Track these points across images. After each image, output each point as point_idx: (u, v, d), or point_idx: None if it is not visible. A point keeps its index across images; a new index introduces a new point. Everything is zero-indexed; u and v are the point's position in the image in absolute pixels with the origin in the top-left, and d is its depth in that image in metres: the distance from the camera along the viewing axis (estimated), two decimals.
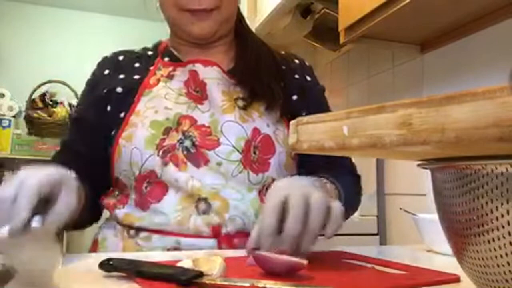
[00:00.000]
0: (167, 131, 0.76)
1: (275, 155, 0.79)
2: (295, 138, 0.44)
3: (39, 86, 3.15)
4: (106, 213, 0.84)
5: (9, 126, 3.20)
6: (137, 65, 0.87)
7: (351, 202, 0.84)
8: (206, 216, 0.73)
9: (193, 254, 0.63)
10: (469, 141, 0.28)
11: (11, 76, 3.49)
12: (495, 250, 0.34)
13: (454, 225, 0.38)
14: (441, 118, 0.30)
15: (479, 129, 0.27)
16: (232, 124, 0.78)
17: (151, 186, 0.75)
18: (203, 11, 0.79)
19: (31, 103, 3.18)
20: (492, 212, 0.34)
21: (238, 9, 0.89)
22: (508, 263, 0.34)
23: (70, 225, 0.63)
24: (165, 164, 0.74)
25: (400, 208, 1.05)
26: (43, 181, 0.55)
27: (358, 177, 0.92)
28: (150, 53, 0.90)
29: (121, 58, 0.88)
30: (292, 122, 0.45)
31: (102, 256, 0.55)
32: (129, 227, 0.76)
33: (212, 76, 0.84)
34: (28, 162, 3.19)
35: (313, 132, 0.42)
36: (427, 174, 0.44)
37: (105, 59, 0.90)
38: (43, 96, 3.27)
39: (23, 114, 3.25)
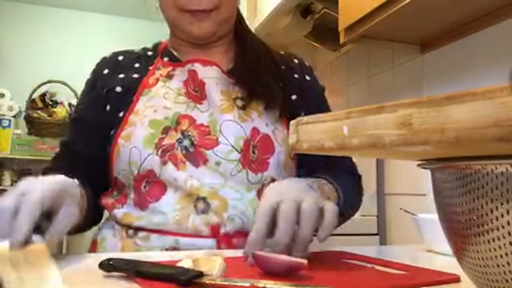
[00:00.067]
0: (166, 131, 0.76)
1: (274, 155, 0.79)
2: (295, 138, 0.44)
3: (39, 86, 3.15)
4: (105, 213, 0.85)
5: (9, 126, 3.20)
6: (136, 65, 0.87)
7: (351, 203, 0.83)
8: (204, 215, 0.73)
9: (193, 254, 0.63)
10: (469, 141, 0.28)
11: (11, 76, 3.49)
12: (495, 250, 0.34)
13: (454, 225, 0.38)
14: (441, 118, 0.30)
15: (479, 129, 0.27)
16: (231, 124, 0.78)
17: (150, 186, 0.75)
18: (203, 11, 0.79)
19: (31, 103, 3.18)
20: (492, 212, 0.34)
21: (238, 9, 0.89)
22: (508, 263, 0.34)
23: (72, 231, 0.63)
24: (164, 163, 0.74)
25: (400, 208, 1.05)
26: (45, 194, 0.55)
27: (359, 177, 0.91)
28: (150, 53, 0.90)
29: (120, 58, 0.89)
30: (292, 122, 0.45)
31: (102, 256, 0.55)
32: (127, 227, 0.76)
33: (211, 76, 0.84)
34: (28, 162, 3.20)
35: (313, 132, 0.42)
36: (427, 174, 0.44)
37: (104, 59, 0.90)
38: (43, 96, 3.28)
39: (23, 114, 3.25)
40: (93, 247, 0.81)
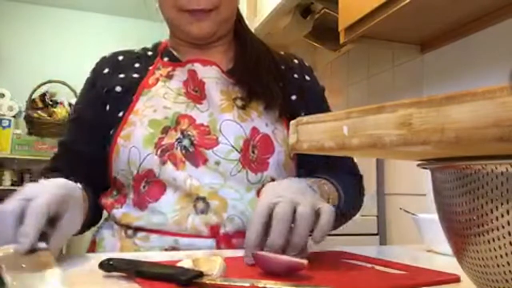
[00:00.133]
0: (165, 130, 0.76)
1: (274, 155, 0.79)
2: (295, 138, 0.44)
3: (39, 86, 3.16)
4: (104, 213, 0.84)
5: (9, 126, 3.21)
6: (136, 65, 0.87)
7: (352, 203, 0.83)
8: (204, 215, 0.72)
9: (193, 254, 0.63)
10: (469, 141, 0.28)
11: (11, 76, 3.49)
12: (495, 250, 0.34)
13: (454, 225, 0.38)
14: (441, 118, 0.30)
15: (479, 129, 0.27)
16: (231, 123, 0.78)
17: (149, 186, 0.75)
18: (202, 11, 0.79)
19: (31, 103, 3.18)
20: (492, 212, 0.34)
21: (237, 9, 0.89)
22: (508, 263, 0.34)
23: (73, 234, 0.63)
24: (163, 163, 0.74)
25: (400, 208, 1.05)
26: (51, 200, 0.54)
27: (360, 177, 0.91)
28: (149, 53, 0.90)
29: (120, 58, 0.89)
30: (292, 122, 0.45)
31: (102, 256, 0.55)
32: (127, 227, 0.75)
33: (210, 76, 0.84)
34: (28, 162, 3.20)
35: (313, 132, 0.42)
36: (427, 174, 0.44)
37: (104, 58, 0.90)
38: (43, 96, 3.28)
39: (23, 114, 3.26)
40: (92, 247, 0.81)
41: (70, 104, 3.25)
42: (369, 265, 0.59)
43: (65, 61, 3.53)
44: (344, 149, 0.38)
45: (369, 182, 1.65)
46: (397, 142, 0.33)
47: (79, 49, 3.54)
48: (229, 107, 0.80)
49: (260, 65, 0.86)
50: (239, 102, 0.82)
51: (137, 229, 0.74)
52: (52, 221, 0.55)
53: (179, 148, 0.75)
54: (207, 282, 0.45)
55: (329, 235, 0.60)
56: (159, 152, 0.74)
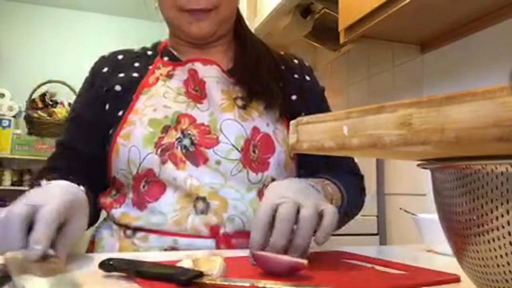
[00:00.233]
0: (165, 130, 0.76)
1: (274, 155, 0.78)
2: (295, 138, 0.44)
3: (39, 86, 3.16)
4: (102, 213, 0.83)
5: (9, 126, 3.21)
6: (136, 64, 0.86)
7: (354, 203, 0.83)
8: (204, 216, 0.72)
9: (193, 254, 0.63)
10: (469, 141, 0.28)
11: (11, 76, 3.49)
12: (495, 250, 0.34)
13: (454, 225, 0.38)
14: (441, 118, 0.30)
15: (479, 129, 0.27)
16: (232, 123, 0.78)
17: (149, 186, 0.75)
18: (202, 11, 0.79)
19: (31, 103, 3.19)
20: (492, 212, 0.34)
21: (237, 9, 0.89)
22: (508, 263, 0.34)
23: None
24: (164, 162, 0.74)
25: (400, 208, 1.05)
26: (60, 207, 0.54)
27: (361, 177, 0.91)
28: (149, 52, 0.90)
29: (120, 57, 0.88)
30: (292, 122, 0.45)
31: (101, 256, 0.55)
32: (125, 227, 0.75)
33: (211, 75, 0.83)
34: (28, 162, 3.20)
35: (313, 132, 0.42)
36: (427, 174, 0.44)
37: (103, 58, 0.89)
38: (43, 96, 3.28)
39: (23, 114, 3.26)
40: (91, 247, 0.81)
41: (70, 104, 3.24)
42: (369, 265, 0.59)
43: (65, 61, 3.53)
44: (344, 149, 0.38)
45: (369, 182, 1.65)
46: (397, 142, 0.33)
47: (79, 49, 3.54)
48: (230, 106, 0.80)
49: (260, 65, 0.86)
50: (239, 102, 0.82)
51: (136, 229, 0.74)
52: (59, 227, 0.54)
53: (179, 147, 0.75)
54: (207, 282, 0.45)
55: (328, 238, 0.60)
56: (159, 151, 0.74)
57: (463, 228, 0.37)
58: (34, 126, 3.16)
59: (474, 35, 1.28)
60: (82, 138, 0.83)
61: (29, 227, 0.51)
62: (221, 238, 0.72)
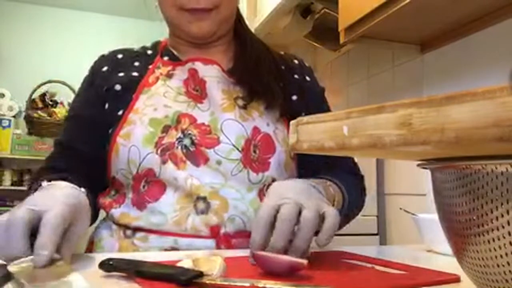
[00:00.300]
0: (166, 129, 0.76)
1: (275, 155, 0.78)
2: (295, 138, 0.44)
3: (39, 86, 3.16)
4: (101, 213, 0.83)
5: (9, 126, 3.21)
6: (136, 63, 0.86)
7: (355, 203, 0.83)
8: (204, 216, 0.72)
9: (193, 254, 0.63)
10: (469, 141, 0.28)
11: (11, 76, 3.49)
12: (495, 250, 0.34)
13: (454, 225, 0.38)
14: (441, 118, 0.30)
15: (479, 129, 0.27)
16: (232, 123, 0.78)
17: (149, 185, 0.75)
18: (202, 10, 0.79)
19: (31, 103, 3.19)
20: (492, 212, 0.34)
21: (237, 9, 0.89)
22: (508, 263, 0.34)
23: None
24: (164, 162, 0.74)
25: (400, 208, 1.05)
26: (65, 212, 0.53)
27: (361, 177, 0.91)
28: (149, 52, 0.89)
29: (120, 56, 0.88)
30: (292, 122, 0.45)
31: (101, 256, 0.55)
32: (125, 227, 0.75)
33: (212, 75, 0.83)
34: (28, 162, 3.20)
35: (313, 132, 0.42)
36: (427, 174, 0.44)
37: (102, 57, 0.89)
38: (43, 96, 3.28)
39: (23, 114, 3.26)
40: (90, 247, 0.80)
41: (70, 104, 3.25)
42: (369, 265, 0.59)
43: (65, 61, 3.53)
44: (344, 149, 0.38)
45: (369, 182, 1.65)
46: (397, 142, 0.33)
47: (79, 49, 3.54)
48: (231, 106, 0.80)
49: (260, 65, 0.86)
50: (240, 102, 0.82)
51: (136, 229, 0.74)
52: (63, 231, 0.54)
53: (179, 147, 0.75)
54: (207, 282, 0.45)
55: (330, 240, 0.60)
56: (159, 151, 0.74)
57: (463, 228, 0.37)
58: (34, 126, 3.17)
59: (474, 35, 1.28)
60: (81, 138, 0.82)
61: (32, 231, 0.51)
62: (222, 238, 0.72)
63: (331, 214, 0.58)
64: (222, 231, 0.72)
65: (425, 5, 1.16)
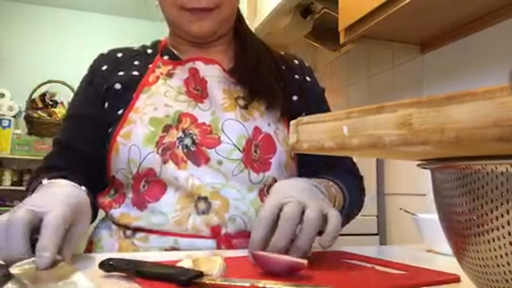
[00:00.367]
0: (166, 129, 0.75)
1: (276, 155, 0.78)
2: (295, 138, 0.44)
3: (39, 86, 3.16)
4: (101, 213, 0.82)
5: (9, 126, 3.21)
6: (136, 62, 0.86)
7: (355, 204, 0.83)
8: (205, 216, 0.72)
9: (193, 254, 0.63)
10: (469, 141, 0.28)
11: (11, 76, 3.49)
12: (495, 250, 0.34)
13: (454, 225, 0.38)
14: (441, 118, 0.30)
15: (479, 129, 0.27)
16: (233, 123, 0.78)
17: (149, 185, 0.74)
18: (203, 10, 0.79)
19: (31, 103, 3.19)
20: (492, 212, 0.34)
21: (238, 9, 0.89)
22: (508, 263, 0.34)
23: None
24: (165, 162, 0.73)
25: (400, 208, 1.05)
26: (66, 212, 0.53)
27: (360, 178, 0.91)
28: (149, 51, 0.89)
29: (119, 55, 0.88)
30: (292, 122, 0.45)
31: (101, 256, 0.55)
32: (125, 227, 0.75)
33: (213, 74, 0.83)
34: (28, 162, 3.20)
35: (313, 132, 0.42)
36: (427, 174, 0.44)
37: (102, 55, 0.89)
38: (43, 96, 3.28)
39: (23, 114, 3.26)
40: (89, 248, 0.80)
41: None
42: (369, 265, 0.59)
43: (65, 61, 3.53)
44: (344, 149, 0.38)
45: (369, 182, 1.65)
46: (397, 142, 0.33)
47: (79, 49, 3.53)
48: (232, 106, 0.80)
49: (260, 65, 0.86)
50: (241, 102, 0.81)
51: (136, 230, 0.74)
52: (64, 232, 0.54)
53: (180, 147, 0.75)
54: (207, 282, 0.45)
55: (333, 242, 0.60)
56: (160, 151, 0.74)
57: (463, 228, 0.37)
58: (34, 126, 3.17)
59: (474, 35, 1.28)
60: (80, 137, 0.82)
61: (32, 232, 0.51)
62: (222, 239, 0.72)
63: (334, 215, 0.58)
64: (223, 231, 0.72)
65: (425, 5, 1.16)
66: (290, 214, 0.56)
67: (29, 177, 0.80)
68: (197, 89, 0.81)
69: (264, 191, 0.77)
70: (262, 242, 0.56)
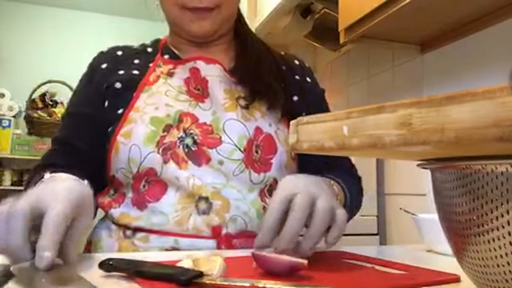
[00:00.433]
0: (167, 128, 0.75)
1: (276, 155, 0.78)
2: (295, 138, 0.44)
3: (39, 86, 3.16)
4: (100, 213, 0.81)
5: (9, 126, 3.21)
6: (136, 61, 0.85)
7: (355, 203, 0.83)
8: (206, 216, 0.72)
9: (193, 254, 0.63)
10: (469, 141, 0.28)
11: (11, 76, 3.49)
12: (495, 250, 0.34)
13: (454, 225, 0.38)
14: (441, 118, 0.30)
15: (479, 129, 0.27)
16: (234, 123, 0.78)
17: (150, 185, 0.74)
18: (204, 9, 0.79)
19: (31, 103, 3.19)
20: (492, 212, 0.34)
21: (238, 8, 0.89)
22: (508, 263, 0.34)
23: None
24: (165, 162, 0.73)
25: (400, 208, 1.05)
26: (67, 209, 0.52)
27: (359, 178, 0.91)
28: (149, 50, 0.89)
29: (119, 53, 0.87)
30: (292, 122, 0.45)
31: (101, 256, 0.55)
32: (125, 227, 0.74)
33: (214, 74, 0.83)
34: (28, 162, 3.20)
35: (313, 132, 0.42)
36: (427, 174, 0.44)
37: (101, 53, 0.88)
38: (43, 96, 3.28)
39: (23, 114, 3.26)
40: (88, 248, 0.79)
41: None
42: (369, 265, 0.59)
43: (65, 61, 3.53)
44: (344, 149, 0.38)
45: (369, 182, 1.65)
46: (397, 142, 0.33)
47: (79, 49, 3.53)
48: (233, 106, 0.80)
49: (261, 65, 0.86)
50: (242, 102, 0.81)
51: (136, 230, 0.73)
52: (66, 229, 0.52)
53: (181, 146, 0.74)
54: (207, 282, 0.45)
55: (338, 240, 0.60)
56: (160, 150, 0.73)
57: (463, 228, 0.37)
58: (34, 126, 3.16)
59: (474, 35, 1.28)
60: (80, 135, 0.81)
61: (32, 228, 0.50)
62: (223, 239, 0.72)
63: (341, 213, 0.59)
64: (224, 231, 0.72)
65: (425, 5, 1.16)
66: (302, 203, 0.56)
67: (28, 176, 0.79)
68: (198, 89, 0.81)
69: (264, 192, 0.77)
70: (272, 232, 0.56)
